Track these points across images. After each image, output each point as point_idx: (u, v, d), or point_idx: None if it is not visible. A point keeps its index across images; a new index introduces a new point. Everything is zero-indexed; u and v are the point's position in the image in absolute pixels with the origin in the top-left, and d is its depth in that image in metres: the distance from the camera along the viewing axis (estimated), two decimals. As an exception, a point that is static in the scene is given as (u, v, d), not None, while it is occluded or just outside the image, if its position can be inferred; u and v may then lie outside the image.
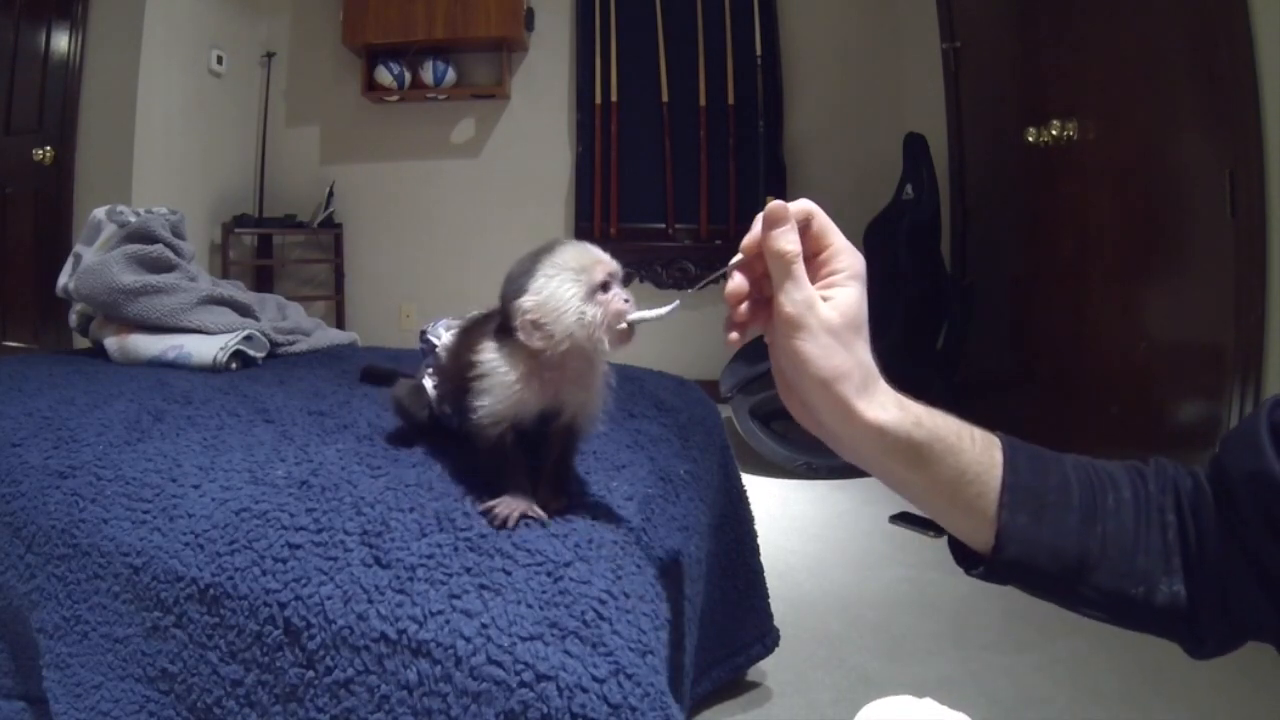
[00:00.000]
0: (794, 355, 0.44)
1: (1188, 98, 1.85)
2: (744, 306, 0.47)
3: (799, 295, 0.44)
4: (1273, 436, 0.42)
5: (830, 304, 0.44)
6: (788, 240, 0.44)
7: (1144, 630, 0.47)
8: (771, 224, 0.45)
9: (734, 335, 0.48)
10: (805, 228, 0.46)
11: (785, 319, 0.44)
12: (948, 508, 0.47)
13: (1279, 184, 1.61)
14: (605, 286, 0.57)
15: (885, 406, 0.45)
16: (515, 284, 0.58)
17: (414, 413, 0.78)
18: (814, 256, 0.46)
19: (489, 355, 0.61)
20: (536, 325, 0.57)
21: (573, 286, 0.56)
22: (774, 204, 0.45)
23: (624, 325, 0.56)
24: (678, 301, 0.54)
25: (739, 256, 0.47)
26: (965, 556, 0.49)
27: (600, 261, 0.58)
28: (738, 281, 0.47)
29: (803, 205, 0.46)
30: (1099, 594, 0.45)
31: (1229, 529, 0.44)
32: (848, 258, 0.46)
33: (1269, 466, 0.41)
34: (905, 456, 0.45)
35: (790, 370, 0.46)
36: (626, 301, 0.57)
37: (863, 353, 0.45)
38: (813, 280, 0.45)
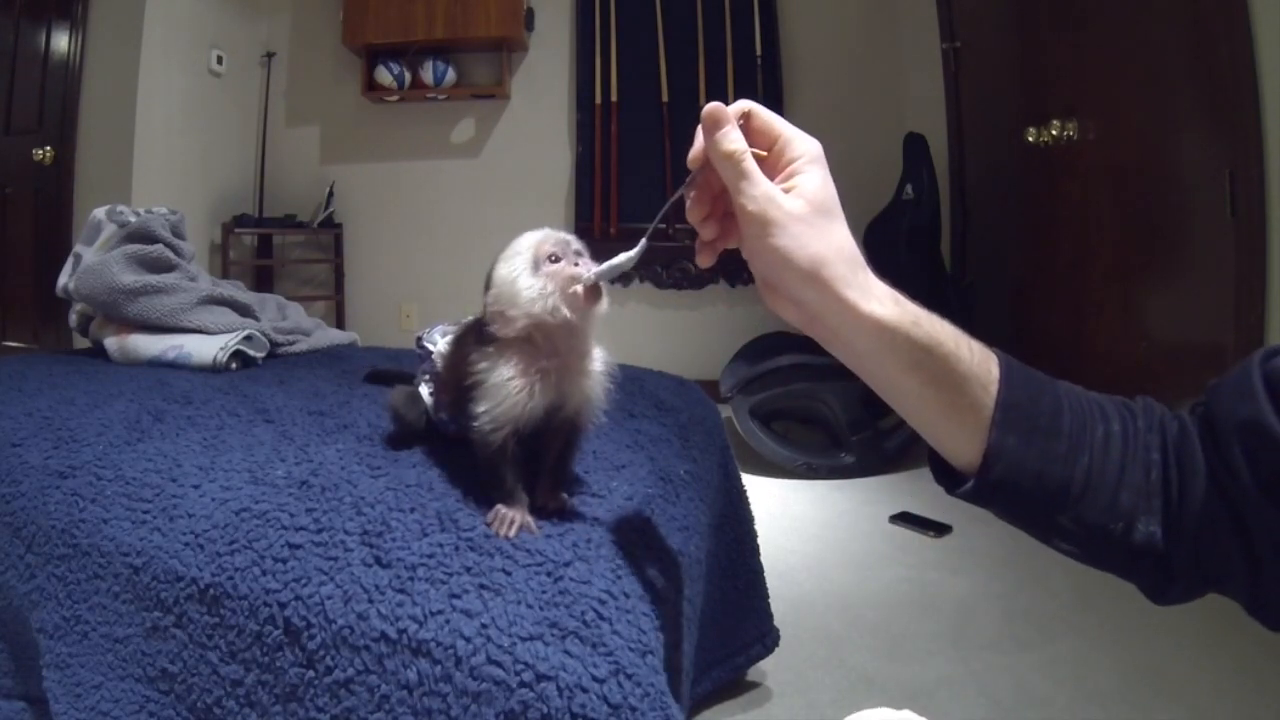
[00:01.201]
0: (769, 254, 0.43)
1: (1188, 98, 1.85)
2: (710, 224, 0.46)
3: (757, 191, 0.42)
4: (1267, 387, 0.41)
5: (794, 193, 0.43)
6: (731, 140, 0.43)
7: (1110, 569, 0.46)
8: (711, 128, 0.44)
9: (706, 259, 0.47)
10: (747, 127, 0.44)
11: (749, 218, 0.43)
12: (938, 419, 0.45)
13: (1279, 184, 1.61)
14: (554, 258, 0.57)
15: (882, 301, 0.43)
16: (485, 282, 0.61)
17: (410, 420, 0.78)
18: (767, 152, 0.45)
19: (483, 362, 0.61)
20: (501, 313, 0.58)
21: (517, 265, 0.58)
22: (710, 106, 0.44)
23: (578, 288, 0.56)
24: (642, 244, 0.51)
25: (691, 176, 0.46)
26: (947, 475, 0.48)
27: (548, 238, 0.59)
28: (692, 197, 0.46)
29: (739, 105, 0.45)
30: (1078, 526, 0.44)
31: (1213, 477, 0.43)
32: (800, 144, 0.45)
33: (1263, 417, 0.40)
34: (903, 357, 0.43)
35: (770, 272, 0.44)
36: (577, 265, 0.57)
37: (840, 236, 0.43)
38: (771, 177, 0.44)
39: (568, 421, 0.64)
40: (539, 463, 0.66)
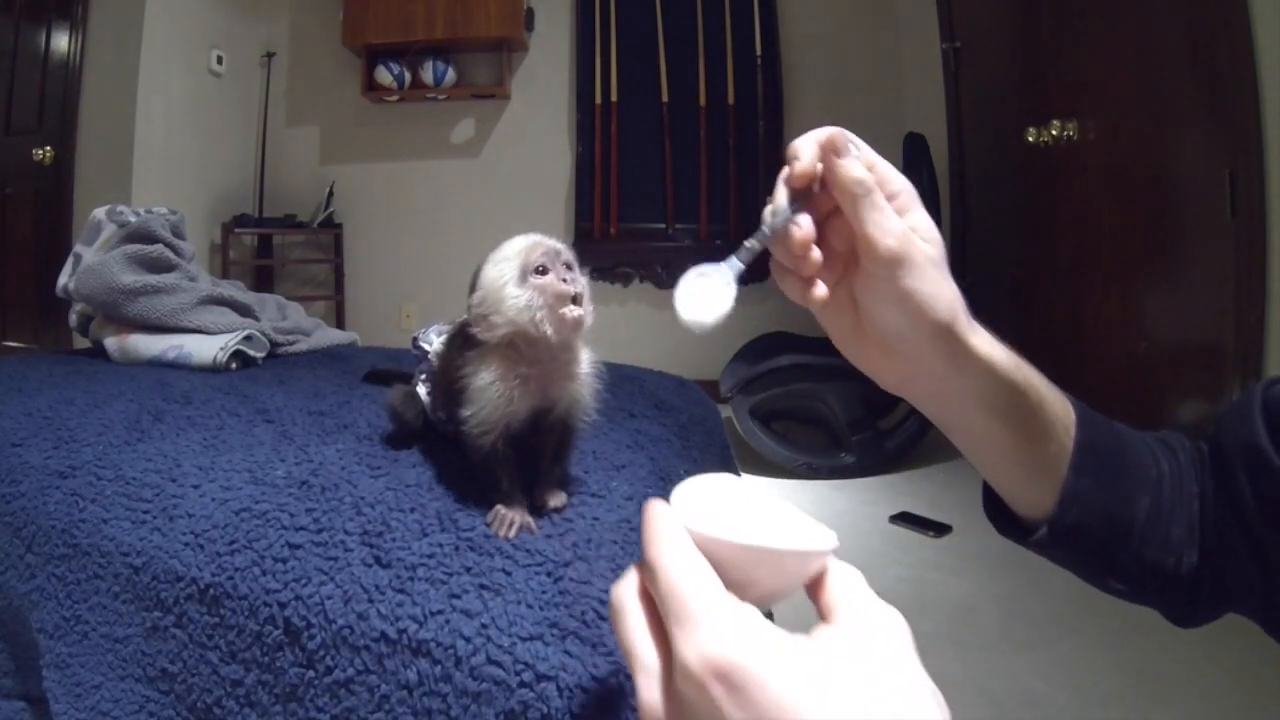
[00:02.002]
0: (903, 297, 0.38)
1: (1188, 98, 1.85)
2: (816, 254, 0.39)
3: (894, 225, 0.37)
4: (1264, 412, 0.43)
5: (918, 233, 0.39)
6: (859, 168, 0.37)
7: (1152, 603, 0.46)
8: (842, 148, 0.38)
9: (821, 292, 0.39)
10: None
11: (886, 254, 0.37)
12: (1014, 463, 0.43)
13: (1279, 184, 1.61)
14: (541, 270, 0.56)
15: (992, 344, 0.41)
16: (470, 283, 0.60)
17: (408, 419, 0.78)
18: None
19: (467, 366, 0.61)
20: (484, 317, 0.58)
21: (506, 272, 0.57)
22: (834, 131, 0.38)
23: (567, 311, 0.55)
24: (734, 263, 0.40)
25: (780, 200, 0.39)
26: (1011, 525, 0.47)
27: (538, 245, 0.57)
28: (807, 228, 0.38)
29: (836, 131, 0.39)
30: (1137, 564, 0.44)
31: (1226, 502, 0.44)
32: (900, 180, 0.40)
33: (1258, 440, 0.42)
34: (1006, 403, 0.41)
35: (892, 315, 0.39)
36: (566, 282, 0.56)
37: (953, 282, 0.40)
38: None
39: (559, 422, 0.64)
40: (536, 463, 0.66)
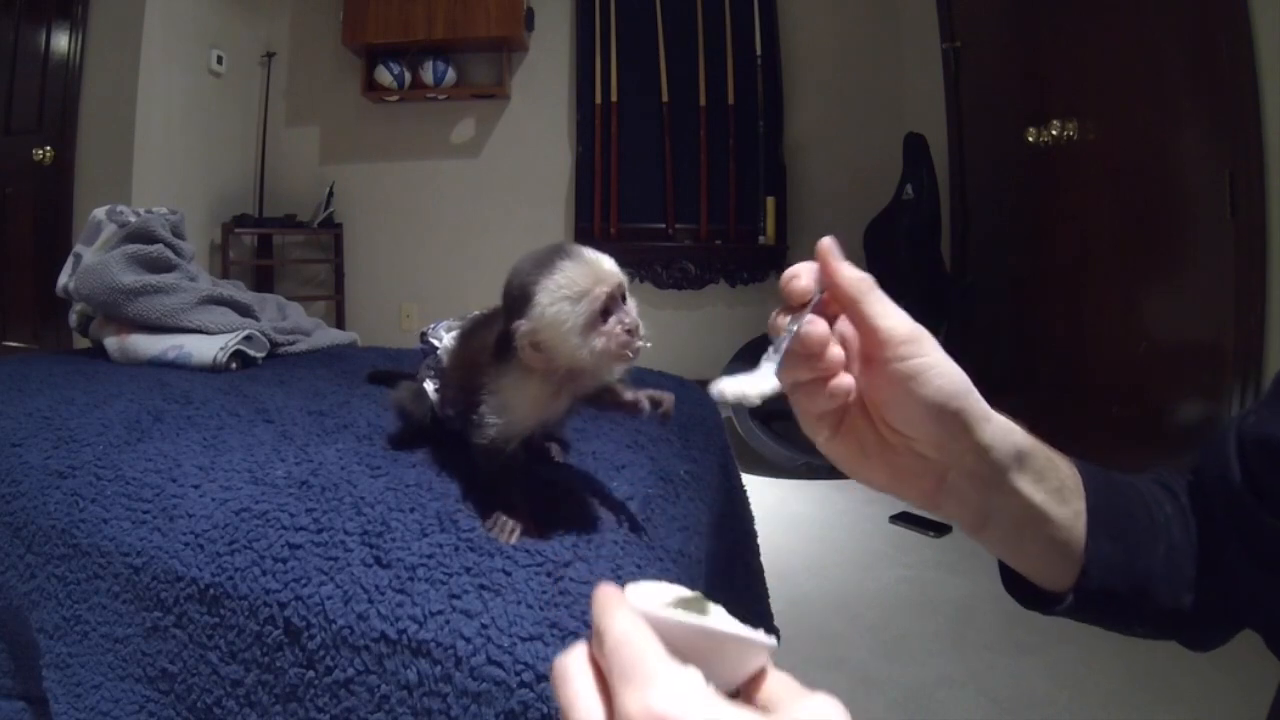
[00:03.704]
0: (917, 372, 0.38)
1: (1188, 98, 1.85)
2: (836, 349, 0.39)
3: (895, 311, 0.39)
4: (1239, 447, 0.44)
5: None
6: (852, 267, 0.39)
7: (1173, 637, 0.47)
8: (833, 257, 0.39)
9: (848, 381, 0.40)
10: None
11: (895, 333, 0.38)
12: (1048, 529, 0.43)
13: (1279, 184, 1.61)
14: (607, 312, 0.54)
15: (1000, 420, 0.41)
16: (515, 302, 0.56)
17: (415, 415, 0.77)
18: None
19: (503, 378, 0.59)
20: (536, 347, 0.55)
21: (571, 317, 0.53)
22: (825, 240, 0.39)
23: (633, 352, 0.54)
24: (773, 382, 0.40)
25: (786, 316, 0.40)
26: (1029, 596, 0.47)
27: (601, 280, 0.54)
28: (821, 325, 0.39)
29: (828, 240, 0.40)
30: (1161, 612, 0.44)
31: (1210, 537, 0.45)
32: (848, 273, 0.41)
33: (1233, 479, 0.43)
34: (1027, 466, 0.41)
35: (909, 403, 0.39)
36: (629, 333, 0.54)
37: (950, 361, 0.40)
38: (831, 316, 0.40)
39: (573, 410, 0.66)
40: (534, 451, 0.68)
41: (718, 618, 0.30)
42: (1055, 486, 0.42)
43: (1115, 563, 0.43)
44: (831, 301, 0.40)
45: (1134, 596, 0.44)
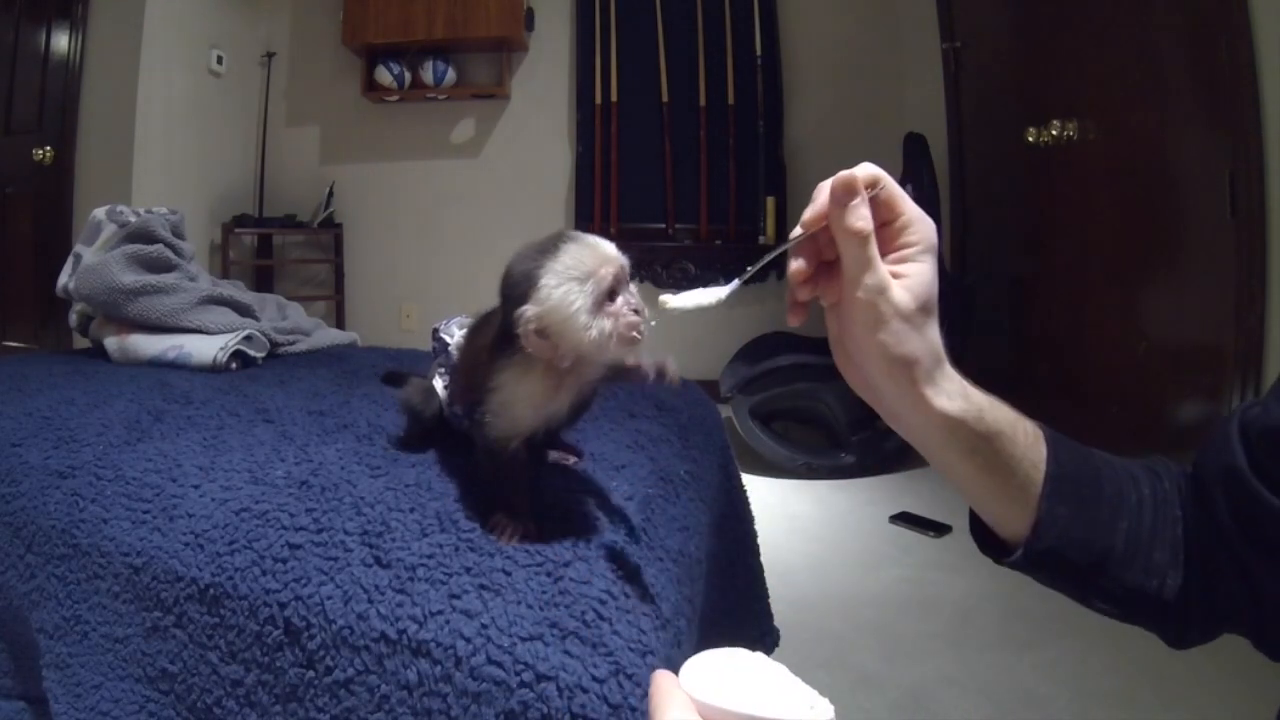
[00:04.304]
0: (864, 342, 0.42)
1: (1188, 98, 1.85)
2: (807, 286, 0.44)
3: (872, 280, 0.41)
4: (1242, 435, 0.44)
5: (903, 283, 0.41)
6: (860, 217, 0.40)
7: (1141, 623, 0.48)
8: (843, 198, 0.41)
9: (798, 318, 0.44)
10: (873, 195, 0.42)
11: (857, 305, 0.41)
12: (990, 497, 0.46)
13: (1279, 184, 1.61)
14: (613, 293, 0.53)
15: (952, 396, 0.43)
16: (518, 288, 0.54)
17: (423, 413, 0.77)
18: (883, 226, 0.43)
19: (506, 372, 0.58)
20: (541, 334, 0.54)
21: (579, 298, 0.52)
22: (843, 175, 0.41)
23: (639, 333, 0.53)
24: (735, 284, 0.47)
25: (798, 231, 0.43)
26: (990, 544, 0.49)
27: (606, 261, 0.53)
28: (800, 264, 0.43)
29: (870, 171, 0.42)
30: (1118, 587, 0.45)
31: (1211, 525, 0.45)
32: (920, 228, 0.43)
33: (1237, 462, 0.43)
34: (963, 446, 0.44)
35: (857, 353, 0.43)
36: (636, 312, 0.53)
37: (933, 335, 0.42)
38: (884, 251, 0.42)
39: (581, 405, 0.65)
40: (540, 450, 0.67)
41: (775, 693, 0.31)
42: (999, 464, 0.44)
43: (1070, 529, 0.45)
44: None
45: (1089, 566, 0.45)
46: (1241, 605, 0.44)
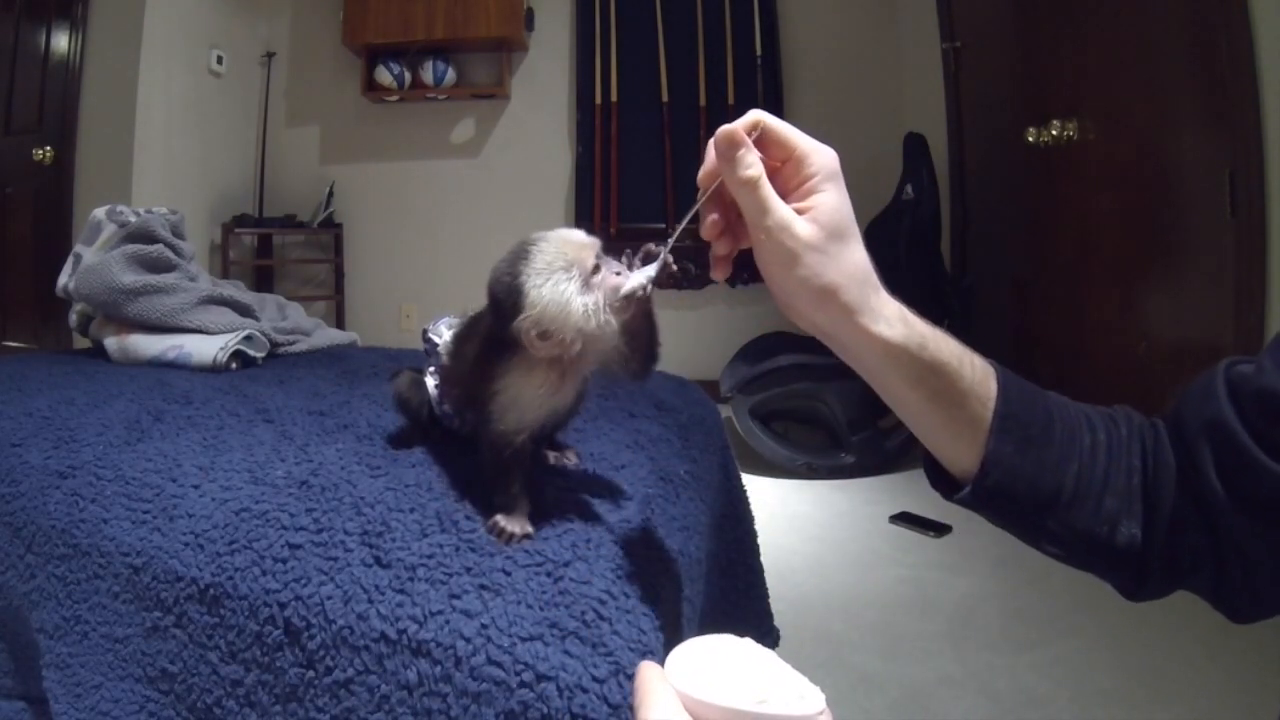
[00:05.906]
0: (785, 282, 0.43)
1: (1188, 98, 1.85)
2: (725, 239, 0.46)
3: (770, 221, 0.42)
4: (1228, 388, 0.44)
5: (809, 216, 0.42)
6: (747, 165, 0.42)
7: (1092, 569, 0.47)
8: (726, 151, 0.42)
9: (722, 272, 0.47)
10: (760, 140, 0.43)
11: (763, 248, 0.42)
12: (938, 430, 0.47)
13: (1279, 184, 1.61)
14: (595, 269, 0.55)
15: (891, 322, 0.43)
16: (507, 301, 0.55)
17: (413, 404, 0.77)
18: (782, 165, 0.44)
19: (511, 373, 0.59)
20: (544, 335, 0.54)
21: (567, 284, 0.54)
22: (724, 130, 0.42)
23: (624, 295, 0.54)
24: (660, 259, 0.53)
25: (701, 191, 0.45)
26: (943, 482, 0.49)
27: (583, 245, 0.55)
28: (713, 218, 0.46)
29: (750, 117, 0.43)
30: (1066, 530, 0.45)
31: (1183, 478, 0.45)
32: (817, 158, 0.43)
33: (1225, 417, 0.42)
34: (908, 374, 0.44)
35: (783, 296, 0.44)
36: (618, 274, 0.55)
37: (854, 259, 0.43)
38: (787, 190, 0.43)
39: (581, 398, 0.65)
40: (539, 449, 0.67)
41: (765, 682, 0.30)
42: (949, 396, 0.45)
43: (1017, 468, 0.45)
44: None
45: (1037, 506, 0.45)
46: (1203, 561, 0.44)
